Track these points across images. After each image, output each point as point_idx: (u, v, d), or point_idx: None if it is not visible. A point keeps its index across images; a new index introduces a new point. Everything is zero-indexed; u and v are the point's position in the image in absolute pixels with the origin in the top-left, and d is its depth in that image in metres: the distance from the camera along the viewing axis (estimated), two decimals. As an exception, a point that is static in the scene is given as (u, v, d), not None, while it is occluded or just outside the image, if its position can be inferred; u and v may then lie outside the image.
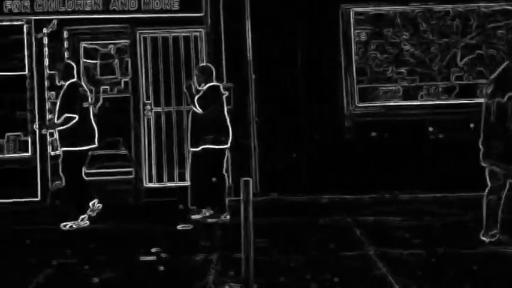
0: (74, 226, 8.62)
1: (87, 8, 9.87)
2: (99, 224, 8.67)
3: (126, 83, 12.14)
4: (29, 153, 10.34)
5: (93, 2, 9.85)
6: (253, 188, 10.36)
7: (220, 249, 7.34)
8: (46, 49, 10.31)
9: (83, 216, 8.70)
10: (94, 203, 8.81)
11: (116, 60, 11.89)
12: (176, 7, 9.90)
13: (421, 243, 7.42)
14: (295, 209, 9.61)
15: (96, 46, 11.78)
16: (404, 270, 6.35)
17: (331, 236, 7.89)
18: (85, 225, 8.67)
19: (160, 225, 8.63)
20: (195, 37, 10.43)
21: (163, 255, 7.13)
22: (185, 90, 9.25)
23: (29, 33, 10.21)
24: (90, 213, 8.77)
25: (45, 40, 10.28)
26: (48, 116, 10.17)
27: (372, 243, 7.40)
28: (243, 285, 5.82)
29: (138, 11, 9.88)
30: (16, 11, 9.85)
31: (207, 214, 8.93)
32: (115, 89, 12.23)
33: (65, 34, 10.80)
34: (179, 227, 8.55)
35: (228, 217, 8.86)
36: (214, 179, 8.94)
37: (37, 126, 9.84)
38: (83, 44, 11.56)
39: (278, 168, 10.37)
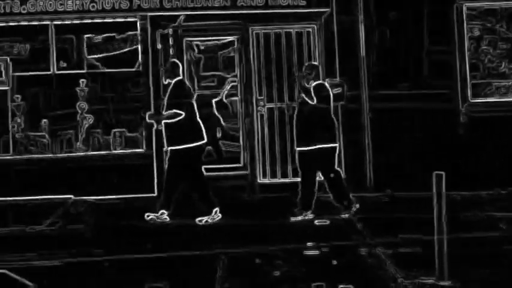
0: (209, 221, 8.65)
1: (216, 4, 9.89)
2: (224, 220, 8.68)
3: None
4: (142, 149, 10.38)
5: (222, -1, 9.91)
6: (367, 183, 10.54)
7: (376, 243, 7.31)
8: (160, 45, 10.37)
9: (215, 210, 8.72)
10: (163, 212, 8.79)
11: (221, 57, 11.87)
12: (303, 2, 9.90)
13: None
14: (414, 205, 9.51)
15: (199, 42, 11.77)
16: None
17: (477, 230, 7.83)
18: (218, 218, 8.69)
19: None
20: (308, 32, 10.42)
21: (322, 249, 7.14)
22: (296, 80, 9.25)
23: (143, 29, 10.25)
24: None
25: (159, 37, 10.33)
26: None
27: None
28: (437, 280, 5.83)
29: (265, 6, 9.89)
30: (146, 6, 9.88)
31: (307, 218, 8.77)
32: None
33: (170, 31, 10.83)
34: (316, 222, 8.56)
35: (357, 205, 8.81)
36: (332, 175, 8.92)
37: (154, 124, 9.73)
38: (187, 40, 11.55)
39: (391, 164, 10.33)
